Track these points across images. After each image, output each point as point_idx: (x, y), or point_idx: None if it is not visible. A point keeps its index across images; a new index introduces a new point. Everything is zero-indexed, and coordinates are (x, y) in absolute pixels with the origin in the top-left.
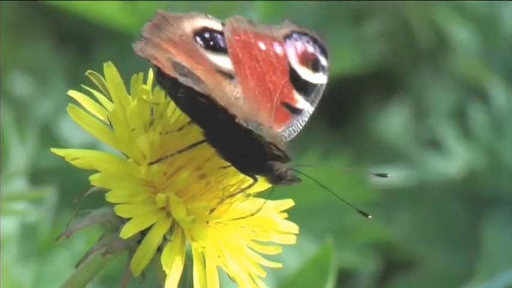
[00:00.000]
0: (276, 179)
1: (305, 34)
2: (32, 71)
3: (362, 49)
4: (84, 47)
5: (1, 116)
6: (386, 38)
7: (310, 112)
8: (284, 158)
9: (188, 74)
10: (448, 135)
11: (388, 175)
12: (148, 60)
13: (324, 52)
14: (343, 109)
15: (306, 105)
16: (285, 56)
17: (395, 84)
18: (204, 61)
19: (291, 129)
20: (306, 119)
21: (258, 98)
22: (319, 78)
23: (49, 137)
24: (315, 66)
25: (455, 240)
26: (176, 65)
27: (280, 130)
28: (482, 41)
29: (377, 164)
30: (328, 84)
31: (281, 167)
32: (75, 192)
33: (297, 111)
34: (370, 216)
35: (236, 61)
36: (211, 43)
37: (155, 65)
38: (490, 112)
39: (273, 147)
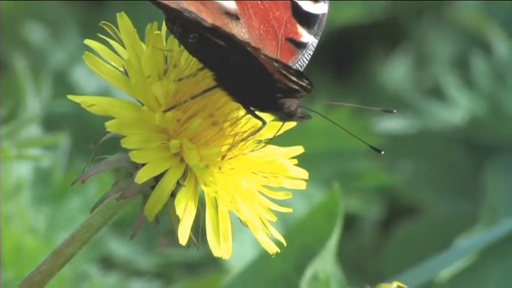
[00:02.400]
0: (287, 116)
1: None
2: (47, 21)
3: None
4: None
5: (16, 64)
6: None
7: (314, 45)
8: (304, 88)
9: (196, 17)
10: (451, 84)
11: (394, 111)
12: (159, 6)
13: None
14: (348, 59)
15: (310, 38)
16: None
17: (400, 34)
18: (211, 4)
19: (297, 65)
20: (311, 53)
21: (263, 37)
22: (321, 8)
23: (63, 84)
24: None
25: (458, 186)
26: (184, 11)
27: None
28: None
29: (381, 112)
30: (333, 34)
31: (291, 104)
32: (88, 138)
33: (301, 46)
34: (382, 152)
35: (239, 1)
36: None
37: (164, 11)
38: (491, 62)
39: (288, 76)
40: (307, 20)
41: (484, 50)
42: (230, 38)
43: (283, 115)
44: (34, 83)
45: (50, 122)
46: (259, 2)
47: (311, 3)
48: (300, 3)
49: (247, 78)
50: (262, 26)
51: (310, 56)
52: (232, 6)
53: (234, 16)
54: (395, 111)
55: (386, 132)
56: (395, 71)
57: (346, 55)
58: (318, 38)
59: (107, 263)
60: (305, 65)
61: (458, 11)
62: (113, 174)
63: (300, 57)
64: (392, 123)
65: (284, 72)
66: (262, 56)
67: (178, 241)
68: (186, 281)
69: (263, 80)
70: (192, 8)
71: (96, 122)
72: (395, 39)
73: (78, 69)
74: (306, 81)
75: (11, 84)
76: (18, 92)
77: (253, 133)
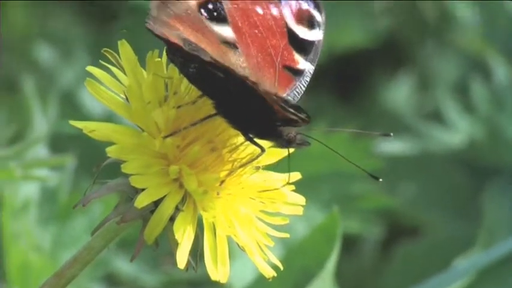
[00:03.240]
0: (286, 143)
1: None
2: (56, 41)
3: (370, 23)
4: (107, 19)
5: (25, 84)
6: (393, 13)
7: (311, 72)
8: (303, 120)
9: (196, 49)
10: (451, 108)
11: (391, 134)
12: (160, 38)
13: (317, 7)
14: (351, 81)
15: (306, 65)
16: (282, 16)
17: (402, 57)
18: (210, 34)
19: (294, 92)
20: (308, 79)
21: (261, 65)
22: (316, 35)
23: (70, 106)
24: (311, 22)
25: (457, 208)
26: (185, 42)
27: (285, 95)
28: (485, 17)
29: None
30: (337, 57)
31: (290, 131)
32: (93, 159)
33: (298, 73)
34: (380, 180)
35: (237, 30)
36: (215, 14)
37: (165, 42)
38: (491, 86)
39: (287, 109)
40: (303, 47)
41: (484, 74)
42: (229, 71)
43: (283, 142)
44: (42, 103)
45: (57, 143)
46: (256, 30)
47: (306, 30)
48: (296, 30)
49: (246, 107)
50: (259, 54)
51: (307, 83)
52: (229, 35)
53: (232, 45)
54: (392, 134)
55: (387, 154)
56: (398, 94)
57: (350, 78)
58: (315, 64)
59: (112, 281)
60: (302, 92)
61: (460, 35)
62: (117, 195)
63: (297, 84)
64: (393, 146)
65: (283, 105)
66: (261, 90)
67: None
68: None
69: (262, 109)
70: (191, 38)
71: (101, 144)
72: (398, 62)
73: (85, 90)
74: (303, 114)
75: (19, 104)
76: (25, 113)
77: (252, 160)
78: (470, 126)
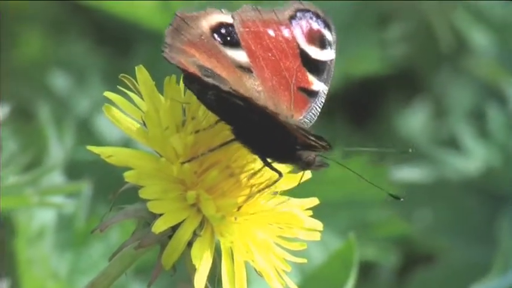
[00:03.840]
0: (305, 165)
1: (308, 10)
2: (72, 69)
3: (385, 51)
4: (122, 46)
5: (40, 111)
6: (408, 40)
7: (326, 92)
8: (323, 148)
9: (212, 75)
10: (466, 135)
11: (410, 150)
12: (176, 66)
13: (327, 26)
14: (367, 108)
15: (320, 86)
16: (293, 38)
17: (417, 84)
18: (224, 58)
19: (311, 113)
20: (323, 100)
21: (276, 87)
22: (328, 54)
23: (86, 132)
24: (322, 42)
25: (473, 235)
26: (201, 68)
27: (301, 117)
28: (499, 44)
29: (398, 162)
30: (353, 84)
31: (309, 154)
32: (110, 186)
33: (313, 94)
34: (402, 199)
35: (251, 54)
36: (228, 38)
37: (182, 70)
38: (506, 113)
39: (308, 137)
40: (316, 67)
41: (500, 101)
42: (248, 100)
43: (302, 164)
44: (58, 130)
45: (73, 170)
46: (269, 53)
47: (318, 50)
48: (308, 51)
49: (266, 133)
50: (274, 77)
51: (322, 104)
52: (243, 59)
53: (246, 69)
54: (410, 150)
55: (403, 181)
56: (413, 121)
57: (365, 105)
58: (329, 85)
59: None
60: (318, 113)
61: (475, 62)
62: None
63: (312, 106)
64: (409, 173)
65: (303, 133)
66: (281, 119)
67: None
68: None
69: (282, 135)
70: (207, 64)
71: (118, 170)
72: (413, 90)
73: (102, 117)
74: (324, 142)
75: (35, 131)
76: (41, 140)
77: (270, 185)
78: (486, 153)
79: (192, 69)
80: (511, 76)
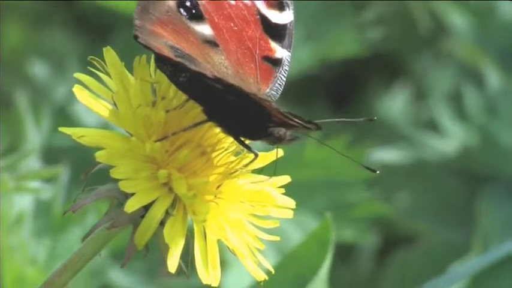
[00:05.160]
0: (276, 140)
1: None
2: (50, 57)
3: (364, 34)
4: (101, 34)
5: (18, 98)
6: (387, 23)
7: (289, 59)
8: (314, 129)
9: (182, 55)
10: (445, 116)
11: (378, 172)
12: (148, 48)
13: None
14: (346, 91)
15: (283, 53)
16: (253, 4)
17: (397, 67)
18: (192, 34)
19: (277, 84)
20: (287, 69)
21: (242, 60)
22: (287, 16)
23: (64, 118)
24: (281, 4)
25: (452, 215)
26: (172, 49)
27: (268, 89)
28: (478, 27)
29: (378, 144)
30: (331, 66)
31: (280, 129)
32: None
33: (277, 62)
34: (378, 172)
35: (214, 26)
36: (194, 11)
37: (154, 52)
38: (484, 94)
39: (286, 116)
40: (277, 32)
41: (478, 83)
42: (232, 87)
43: (273, 140)
44: (35, 117)
45: (50, 155)
46: (232, 23)
47: (277, 13)
48: (269, 15)
49: (240, 114)
50: (239, 49)
51: (286, 73)
52: (208, 32)
53: (213, 43)
54: (376, 118)
55: (382, 163)
56: (393, 104)
57: (345, 87)
58: (291, 50)
59: None
60: (283, 84)
61: (453, 44)
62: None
63: (278, 75)
64: (388, 154)
65: (289, 117)
66: (267, 103)
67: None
68: None
69: (257, 115)
70: (176, 44)
71: (95, 154)
72: (392, 73)
73: (79, 104)
74: (313, 125)
75: (12, 118)
76: (19, 126)
77: (246, 165)
78: (464, 133)
79: (166, 51)
80: (489, 57)
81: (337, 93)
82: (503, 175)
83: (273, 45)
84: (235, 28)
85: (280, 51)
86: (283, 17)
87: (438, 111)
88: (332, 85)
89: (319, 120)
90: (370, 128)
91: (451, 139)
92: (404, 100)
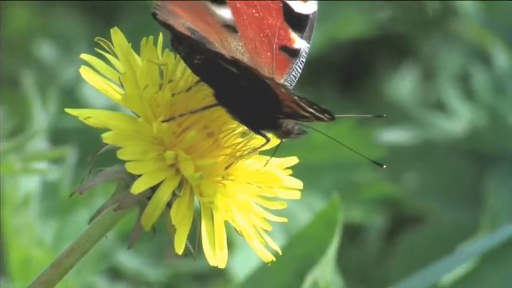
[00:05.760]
0: (284, 133)
1: None
2: (57, 38)
3: (373, 14)
4: (108, 15)
5: (25, 79)
6: (396, 4)
7: (307, 51)
8: (328, 119)
9: (199, 37)
10: (452, 96)
11: (384, 166)
12: (166, 27)
13: None
14: (355, 72)
15: (302, 44)
16: None
17: (405, 48)
18: (211, 16)
19: (291, 75)
20: (304, 60)
21: (259, 48)
22: (311, 7)
23: (72, 100)
24: None
25: (460, 195)
26: (189, 30)
27: (282, 80)
28: (485, 8)
29: (386, 125)
30: (340, 47)
31: (289, 122)
32: (94, 151)
33: (294, 53)
34: (384, 166)
35: (235, 11)
36: None
37: (171, 32)
38: (492, 74)
39: (299, 105)
40: (298, 22)
41: (485, 63)
42: (248, 70)
43: (281, 133)
44: (42, 98)
45: (57, 137)
46: (253, 10)
47: (301, 2)
48: (291, 4)
49: (251, 100)
50: (257, 37)
51: (303, 64)
52: (229, 16)
53: (231, 28)
54: (385, 115)
55: (390, 143)
56: (401, 85)
57: (353, 68)
58: (310, 41)
59: (116, 275)
60: (298, 76)
61: (462, 25)
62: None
63: (293, 67)
64: (396, 135)
65: (303, 105)
66: (283, 90)
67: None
68: None
69: (269, 104)
70: (193, 25)
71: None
72: (401, 54)
73: (87, 85)
74: (327, 114)
75: (19, 99)
76: (26, 107)
77: (256, 149)
78: (472, 113)
79: (184, 31)
80: (496, 37)
81: (346, 74)
82: (511, 155)
83: (293, 35)
84: (257, 15)
85: (299, 42)
86: (306, 7)
87: (446, 92)
88: (340, 66)
89: (329, 105)
90: (378, 109)
91: (459, 119)
92: (412, 81)
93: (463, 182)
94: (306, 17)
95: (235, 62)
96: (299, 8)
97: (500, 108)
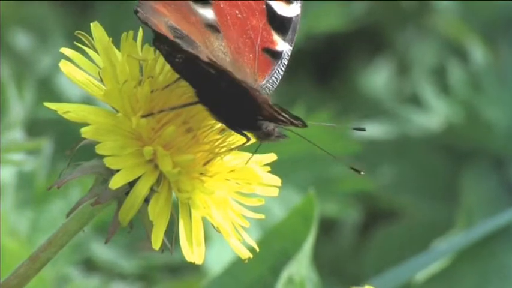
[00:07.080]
0: (264, 135)
1: None
2: (33, 28)
3: (348, 7)
4: (85, 5)
5: (1, 70)
6: None
7: (289, 53)
8: (300, 125)
9: (181, 36)
10: (428, 91)
11: (366, 129)
12: (147, 25)
13: None
14: (330, 65)
15: (284, 46)
16: None
17: (381, 41)
18: (194, 16)
19: (273, 77)
20: (286, 63)
21: (241, 49)
22: (294, 9)
23: (47, 91)
24: None
25: (435, 191)
26: (172, 30)
27: (264, 81)
28: (462, 2)
29: (361, 119)
30: (315, 41)
31: (269, 125)
32: (71, 144)
33: (277, 55)
34: (362, 173)
35: (219, 11)
36: None
37: (153, 30)
38: (468, 69)
39: (275, 110)
40: (282, 25)
41: (462, 58)
42: (225, 72)
43: (261, 135)
44: (18, 89)
45: (34, 128)
46: (237, 10)
47: (284, 5)
48: (274, 6)
49: (231, 101)
50: (240, 38)
51: (284, 67)
52: (212, 16)
53: (214, 28)
54: (367, 129)
55: (365, 138)
56: (377, 79)
57: (328, 61)
58: (293, 44)
59: (90, 266)
60: (280, 77)
61: (438, 19)
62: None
63: (275, 69)
64: (372, 129)
65: (278, 111)
66: (257, 93)
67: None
68: (167, 284)
69: (248, 105)
70: (177, 24)
71: (78, 128)
72: (376, 47)
73: (62, 76)
74: (300, 122)
75: None
76: (1, 97)
77: (236, 148)
78: (448, 109)
79: (164, 30)
80: (473, 33)
81: (321, 66)
82: (487, 151)
83: (276, 37)
84: (240, 16)
85: (281, 44)
86: (289, 10)
87: (422, 86)
88: (315, 58)
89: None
90: (353, 102)
91: (434, 114)
92: (387, 74)
93: (438, 178)
94: (289, 19)
95: (211, 64)
96: (282, 10)
97: (476, 104)
